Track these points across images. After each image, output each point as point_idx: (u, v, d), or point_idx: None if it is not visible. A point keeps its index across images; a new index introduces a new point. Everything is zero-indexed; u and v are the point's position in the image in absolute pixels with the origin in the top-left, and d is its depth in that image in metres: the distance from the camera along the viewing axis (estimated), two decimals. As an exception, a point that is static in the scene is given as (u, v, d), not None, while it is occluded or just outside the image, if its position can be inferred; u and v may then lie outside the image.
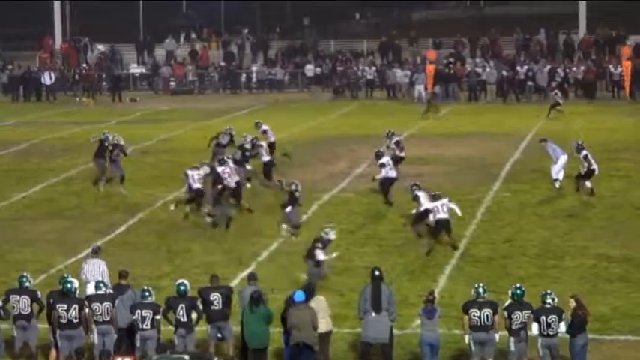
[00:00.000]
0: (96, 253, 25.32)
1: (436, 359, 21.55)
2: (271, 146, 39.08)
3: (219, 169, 34.07)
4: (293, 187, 31.61)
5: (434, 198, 30.47)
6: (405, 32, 76.65)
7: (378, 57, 69.04)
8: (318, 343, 21.46)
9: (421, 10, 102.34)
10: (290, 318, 21.48)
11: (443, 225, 29.82)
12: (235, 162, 35.72)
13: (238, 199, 34.16)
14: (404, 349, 22.33)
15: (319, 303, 22.02)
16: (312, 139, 48.15)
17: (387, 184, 35.14)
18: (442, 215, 29.95)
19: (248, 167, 36.83)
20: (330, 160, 43.00)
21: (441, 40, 70.88)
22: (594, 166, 35.15)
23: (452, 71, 62.99)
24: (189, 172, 34.44)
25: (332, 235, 27.25)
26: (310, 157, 43.39)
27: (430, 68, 63.09)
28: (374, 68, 65.30)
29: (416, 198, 30.80)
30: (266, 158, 37.43)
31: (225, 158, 35.41)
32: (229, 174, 33.98)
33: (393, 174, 35.26)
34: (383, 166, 35.15)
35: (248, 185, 36.87)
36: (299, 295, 21.75)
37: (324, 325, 21.89)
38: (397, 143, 38.23)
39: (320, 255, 26.42)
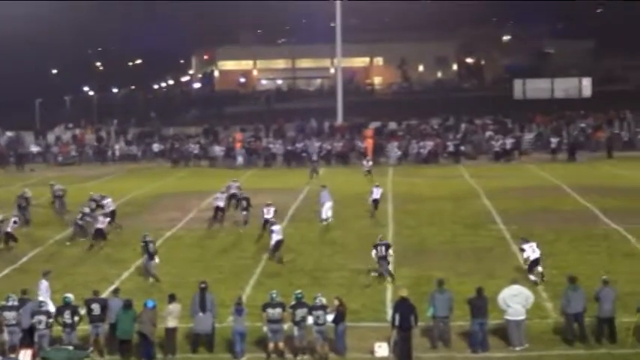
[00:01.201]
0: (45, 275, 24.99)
1: (244, 344, 21.62)
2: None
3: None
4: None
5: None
6: (220, 121, 77.05)
7: (202, 138, 68.82)
8: (154, 334, 21.48)
9: (233, 106, 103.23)
10: (140, 317, 21.57)
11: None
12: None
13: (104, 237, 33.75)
14: (222, 338, 22.27)
15: (175, 307, 21.99)
16: (158, 194, 47.68)
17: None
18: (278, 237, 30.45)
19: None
20: (170, 208, 42.63)
21: (246, 127, 71.13)
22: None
23: (253, 147, 63.34)
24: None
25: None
26: (156, 207, 42.94)
27: (238, 145, 63.31)
28: (198, 145, 65.12)
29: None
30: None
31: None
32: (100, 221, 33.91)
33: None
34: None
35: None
36: (150, 303, 21.77)
37: (174, 322, 21.83)
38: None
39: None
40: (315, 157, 56.98)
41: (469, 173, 53.39)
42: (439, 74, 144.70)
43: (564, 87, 70.43)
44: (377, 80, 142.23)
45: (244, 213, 36.58)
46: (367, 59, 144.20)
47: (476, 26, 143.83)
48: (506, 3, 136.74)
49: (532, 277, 26.82)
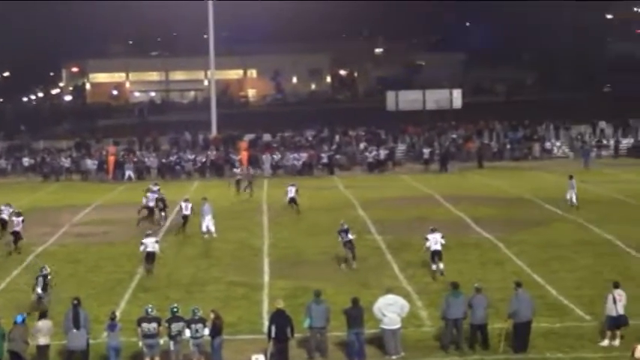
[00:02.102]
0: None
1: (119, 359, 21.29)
2: None
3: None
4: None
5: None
6: (92, 134, 75.72)
7: (74, 151, 67.48)
8: (25, 351, 20.96)
9: (105, 119, 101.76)
10: (10, 334, 20.98)
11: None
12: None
13: None
14: (97, 354, 21.83)
15: (45, 324, 21.45)
16: (29, 209, 46.42)
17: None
18: (150, 249, 30.56)
19: None
20: (41, 223, 41.62)
21: (119, 140, 70.09)
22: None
23: (126, 160, 62.38)
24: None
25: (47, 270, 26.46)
26: (27, 222, 41.78)
27: (111, 159, 62.25)
28: (70, 159, 63.81)
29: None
30: None
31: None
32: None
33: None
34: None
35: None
36: (19, 318, 21.29)
37: (46, 340, 21.32)
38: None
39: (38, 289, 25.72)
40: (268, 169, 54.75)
41: (344, 184, 53.86)
42: (313, 86, 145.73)
43: (435, 98, 71.61)
44: (251, 92, 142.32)
45: (162, 214, 39.81)
46: (241, 71, 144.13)
47: (349, 39, 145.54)
48: (378, 16, 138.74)
49: (433, 267, 28.93)
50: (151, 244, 30.57)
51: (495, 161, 64.24)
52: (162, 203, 40.08)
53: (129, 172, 60.42)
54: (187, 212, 37.62)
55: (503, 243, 34.07)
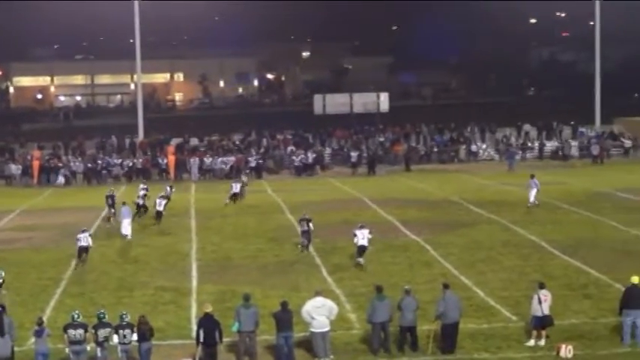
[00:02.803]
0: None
1: (46, 367, 20.99)
2: None
3: None
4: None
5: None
6: (16, 138, 74.47)
7: (-4, 156, 66.30)
8: None
9: (30, 123, 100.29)
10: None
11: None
12: None
13: None
14: (22, 361, 21.53)
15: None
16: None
17: None
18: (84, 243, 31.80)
19: None
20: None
21: (44, 144, 68.99)
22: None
23: (52, 164, 61.47)
24: None
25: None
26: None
27: (35, 163, 61.28)
28: (-9, 163, 62.66)
29: None
30: None
31: None
32: None
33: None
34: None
35: None
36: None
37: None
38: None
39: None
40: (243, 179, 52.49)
41: (272, 188, 53.84)
42: (240, 90, 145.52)
43: (363, 102, 71.96)
44: (178, 96, 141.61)
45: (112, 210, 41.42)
46: (168, 75, 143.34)
47: (276, 42, 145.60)
48: (305, 20, 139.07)
49: (358, 260, 30.66)
50: (84, 238, 31.83)
51: (423, 164, 64.80)
52: (112, 200, 41.71)
53: (61, 177, 59.58)
54: (160, 208, 39.75)
55: (430, 245, 34.37)
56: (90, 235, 32.48)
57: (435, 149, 68.34)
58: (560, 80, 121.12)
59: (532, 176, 43.92)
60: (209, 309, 21.41)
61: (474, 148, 68.72)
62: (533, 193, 43.15)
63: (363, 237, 30.61)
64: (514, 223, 38.58)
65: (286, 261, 32.30)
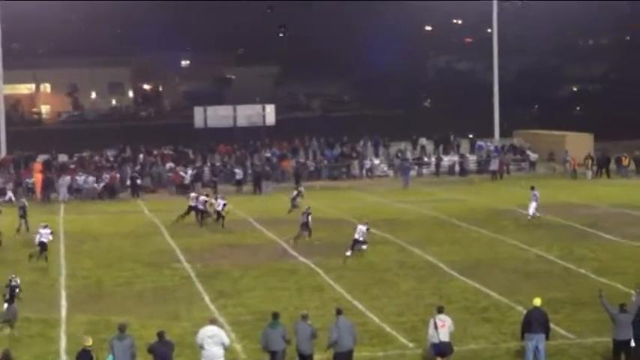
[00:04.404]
0: None
1: None
2: None
3: None
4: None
5: None
6: None
7: None
8: None
9: None
10: None
11: None
12: None
13: None
14: None
15: None
16: None
17: None
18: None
19: None
20: None
21: None
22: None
23: None
24: None
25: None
26: None
27: None
28: None
29: None
30: None
31: None
32: None
33: None
34: None
35: None
36: None
37: None
38: None
39: None
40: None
41: (149, 208, 53.32)
42: (114, 101, 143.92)
43: (247, 114, 71.97)
44: (44, 108, 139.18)
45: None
46: (33, 86, 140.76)
47: (152, 50, 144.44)
48: (184, 26, 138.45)
49: (348, 253, 35.36)
50: (45, 234, 36.16)
51: (312, 181, 65.07)
52: (23, 210, 43.92)
53: (10, 193, 57.71)
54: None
55: (321, 268, 34.47)
56: (51, 233, 36.82)
57: (326, 164, 68.74)
58: (458, 91, 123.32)
59: (532, 188, 45.26)
60: (89, 342, 20.91)
61: (367, 163, 69.37)
62: (533, 205, 44.38)
63: (358, 232, 35.88)
64: (410, 244, 39.00)
65: (165, 287, 31.99)
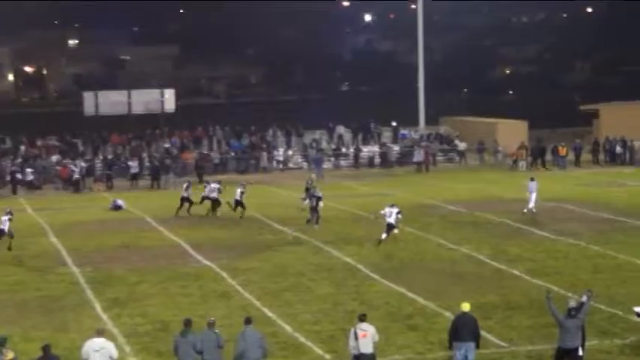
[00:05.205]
0: None
1: None
2: None
3: None
4: None
5: None
6: None
7: None
8: None
9: None
10: None
11: None
12: None
13: None
14: None
15: None
16: None
17: None
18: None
19: None
20: None
21: None
22: None
23: None
24: None
25: None
26: None
27: None
28: None
29: None
30: None
31: None
32: None
33: None
34: None
35: None
36: None
37: None
38: None
39: None
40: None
41: (32, 206, 52.73)
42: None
43: (144, 100, 71.44)
44: None
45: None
46: None
47: (35, 28, 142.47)
48: (70, 1, 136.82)
49: (383, 235, 38.05)
50: (5, 221, 39.06)
51: (218, 174, 64.92)
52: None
53: None
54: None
55: (227, 272, 34.41)
56: (10, 220, 39.69)
57: (232, 156, 68.61)
58: (379, 73, 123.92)
59: (532, 179, 46.21)
60: (9, 356, 20.70)
61: (278, 154, 69.40)
62: (533, 197, 45.25)
63: (390, 214, 37.90)
64: (326, 244, 39.12)
65: (51, 296, 31.64)
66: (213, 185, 48.15)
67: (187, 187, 48.61)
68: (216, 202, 47.42)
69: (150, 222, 46.24)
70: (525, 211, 45.22)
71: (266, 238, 41.15)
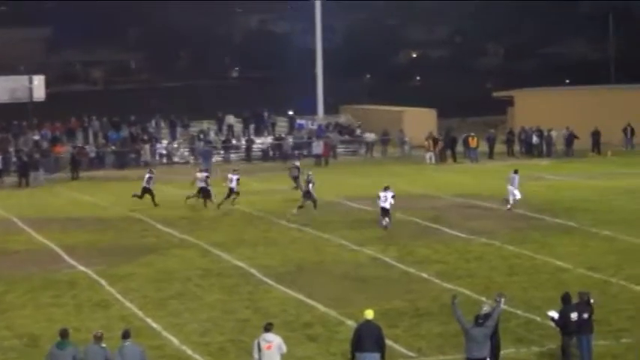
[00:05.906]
0: None
1: None
2: None
3: None
4: None
5: None
6: None
7: None
8: None
9: None
10: None
11: None
12: None
13: None
14: None
15: None
16: None
17: None
18: None
19: None
20: None
21: None
22: None
23: None
24: None
25: None
26: None
27: None
28: None
29: None
30: None
31: None
32: None
33: None
34: None
35: None
36: None
37: None
38: None
39: None
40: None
41: None
42: None
43: (10, 87, 70.62)
44: None
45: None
46: None
47: None
48: None
49: (383, 222, 40.84)
50: None
51: (94, 170, 64.33)
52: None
53: None
54: None
55: (105, 279, 34.07)
56: None
57: (110, 150, 68.02)
58: (273, 57, 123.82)
59: (515, 171, 46.39)
60: None
61: (161, 147, 68.98)
62: (515, 192, 45.67)
63: (385, 199, 40.60)
64: (215, 246, 38.99)
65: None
66: (200, 175, 49.57)
67: (149, 179, 49.84)
68: (205, 192, 48.61)
69: (16, 223, 45.64)
70: (509, 207, 45.56)
71: (149, 241, 40.86)
